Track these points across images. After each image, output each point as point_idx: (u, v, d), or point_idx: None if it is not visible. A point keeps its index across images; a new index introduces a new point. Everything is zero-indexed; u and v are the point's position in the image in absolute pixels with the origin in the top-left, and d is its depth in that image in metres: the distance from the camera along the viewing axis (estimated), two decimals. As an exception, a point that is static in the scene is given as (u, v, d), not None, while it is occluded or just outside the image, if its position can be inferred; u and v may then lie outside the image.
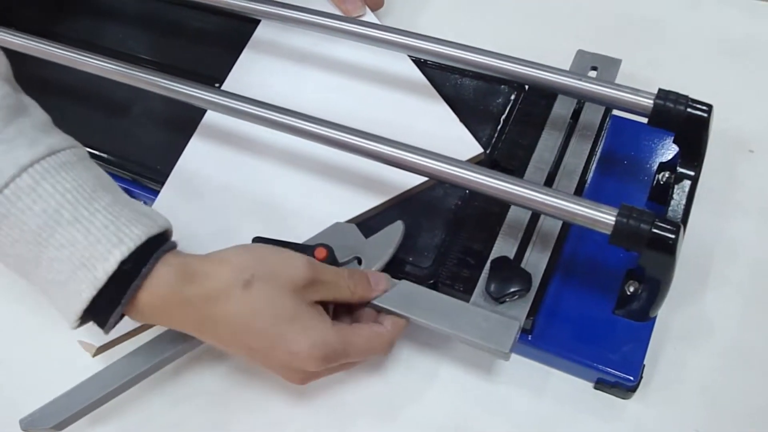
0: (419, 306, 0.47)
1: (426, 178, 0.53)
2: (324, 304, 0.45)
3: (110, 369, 0.48)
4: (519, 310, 0.47)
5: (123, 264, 0.41)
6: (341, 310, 0.47)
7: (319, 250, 0.48)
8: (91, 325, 0.50)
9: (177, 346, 0.48)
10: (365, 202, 0.54)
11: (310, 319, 0.43)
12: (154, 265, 0.41)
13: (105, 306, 0.41)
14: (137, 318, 0.44)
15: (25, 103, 0.45)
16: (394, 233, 0.50)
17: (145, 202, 0.59)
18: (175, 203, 0.56)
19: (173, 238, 0.45)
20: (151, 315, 0.43)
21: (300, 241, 0.50)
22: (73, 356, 0.51)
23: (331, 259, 0.48)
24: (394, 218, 0.53)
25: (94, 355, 0.50)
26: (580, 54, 0.57)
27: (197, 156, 0.58)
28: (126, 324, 0.50)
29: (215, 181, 0.57)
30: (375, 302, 0.47)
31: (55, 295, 0.42)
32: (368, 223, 0.53)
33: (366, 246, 0.50)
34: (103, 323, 0.42)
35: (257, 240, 0.49)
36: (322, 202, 0.54)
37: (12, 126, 0.41)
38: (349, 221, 0.53)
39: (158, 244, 0.42)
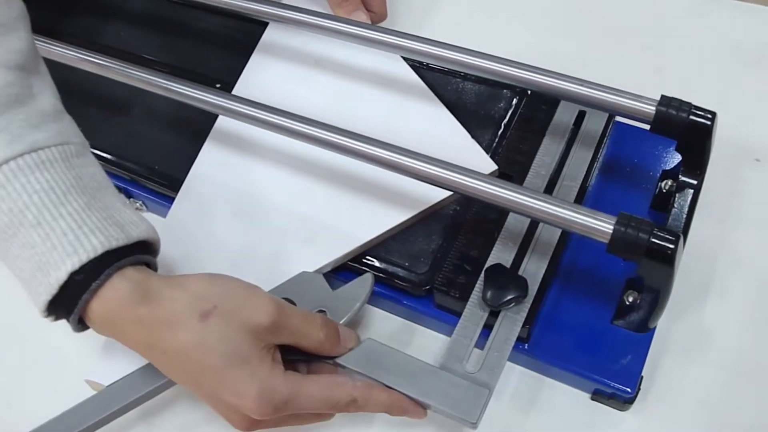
0: (384, 367, 0.44)
1: (437, 200, 0.52)
2: (290, 348, 0.44)
3: (76, 409, 0.45)
4: (491, 375, 0.44)
5: (75, 274, 0.40)
6: (298, 360, 0.45)
7: None
8: (101, 362, 0.48)
9: (139, 392, 0.45)
10: (388, 220, 0.52)
11: (261, 364, 0.41)
12: (107, 279, 0.40)
13: (63, 311, 0.41)
14: (94, 328, 0.43)
15: (34, 90, 0.43)
16: (362, 286, 0.48)
17: (144, 203, 0.60)
18: (188, 213, 0.54)
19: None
20: (102, 327, 0.42)
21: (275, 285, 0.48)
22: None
23: None
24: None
25: None
26: None
27: (210, 162, 0.57)
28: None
29: (230, 189, 0.55)
30: (337, 360, 0.45)
31: (25, 288, 0.42)
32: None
33: (332, 298, 0.47)
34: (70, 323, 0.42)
35: None
36: (344, 219, 0.53)
37: (1, 119, 0.41)
38: (370, 241, 0.51)
39: (124, 257, 0.41)
